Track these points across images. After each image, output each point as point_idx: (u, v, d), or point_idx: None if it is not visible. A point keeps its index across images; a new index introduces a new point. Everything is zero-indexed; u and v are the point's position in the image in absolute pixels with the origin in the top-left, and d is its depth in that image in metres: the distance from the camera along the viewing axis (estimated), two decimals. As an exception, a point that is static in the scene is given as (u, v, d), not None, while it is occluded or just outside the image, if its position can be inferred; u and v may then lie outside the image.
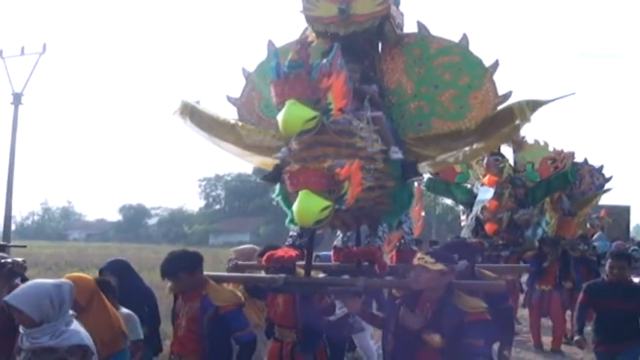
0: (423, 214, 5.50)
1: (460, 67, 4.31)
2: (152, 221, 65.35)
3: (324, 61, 3.47)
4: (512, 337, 4.48)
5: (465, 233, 8.77)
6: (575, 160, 9.90)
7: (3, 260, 3.60)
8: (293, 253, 3.81)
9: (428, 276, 3.24)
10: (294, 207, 3.35)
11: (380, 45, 4.53)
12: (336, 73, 3.46)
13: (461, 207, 9.80)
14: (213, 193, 64.18)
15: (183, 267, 3.70)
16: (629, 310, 4.80)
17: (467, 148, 4.20)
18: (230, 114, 4.73)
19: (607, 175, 11.11)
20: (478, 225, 8.75)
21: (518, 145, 8.75)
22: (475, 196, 8.69)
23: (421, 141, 4.17)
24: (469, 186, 9.09)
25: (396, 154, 3.89)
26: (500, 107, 4.06)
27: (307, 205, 3.31)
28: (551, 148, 8.95)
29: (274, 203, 4.24)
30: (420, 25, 4.44)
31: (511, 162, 8.94)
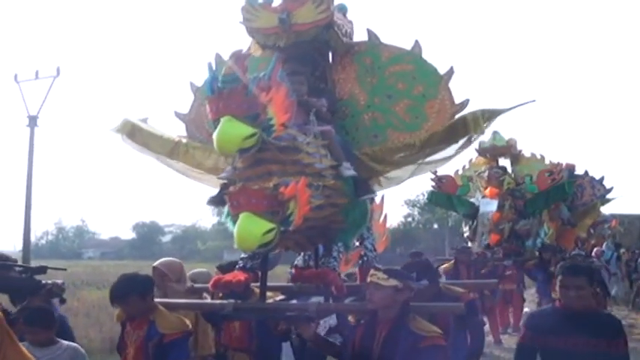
0: (387, 227, 5.26)
1: (414, 75, 4.15)
2: (166, 238, 65.41)
3: (262, 74, 3.28)
4: (481, 352, 4.28)
5: (479, 242, 9.00)
6: (576, 172, 10.36)
7: (43, 281, 3.72)
8: (242, 277, 3.58)
9: (381, 294, 3.06)
10: (235, 231, 3.13)
11: (330, 55, 4.35)
12: (275, 87, 3.28)
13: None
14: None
15: (135, 291, 3.47)
16: (590, 353, 3.18)
17: (420, 162, 4.01)
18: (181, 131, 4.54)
19: (608, 186, 11.36)
20: (480, 236, 9.05)
21: (516, 158, 9.06)
22: (477, 208, 8.95)
23: (374, 156, 3.99)
24: (470, 199, 9.31)
25: (348, 170, 3.69)
26: (455, 117, 3.90)
27: (248, 229, 3.10)
28: (547, 161, 9.22)
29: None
30: (371, 33, 4.28)
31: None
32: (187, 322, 3.55)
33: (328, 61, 4.34)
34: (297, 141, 3.46)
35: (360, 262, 4.56)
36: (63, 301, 3.98)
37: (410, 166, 4.06)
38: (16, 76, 16.15)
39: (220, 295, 3.87)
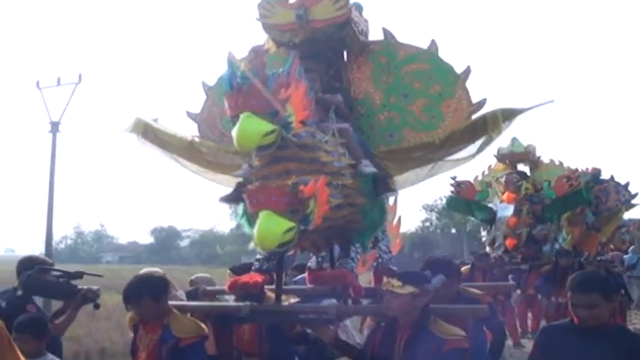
0: (401, 230, 5.20)
1: (430, 74, 4.10)
2: (184, 243, 65.44)
3: (281, 70, 3.21)
4: (501, 352, 4.20)
5: (494, 247, 9.09)
6: (601, 176, 10.36)
7: (79, 287, 3.81)
8: (259, 278, 3.51)
9: (399, 301, 2.97)
10: (255, 230, 3.05)
11: (345, 53, 4.30)
12: (294, 83, 3.21)
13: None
14: (245, 214, 64.51)
15: (148, 292, 3.38)
16: None
17: (438, 161, 3.95)
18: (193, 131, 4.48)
19: (633, 192, 11.33)
20: (498, 241, 9.14)
21: (535, 164, 9.15)
22: (495, 214, 9.06)
23: (392, 154, 3.92)
24: (489, 204, 9.38)
25: (368, 167, 3.63)
26: (473, 117, 3.84)
27: (268, 227, 3.02)
28: (566, 167, 9.35)
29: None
30: (386, 32, 4.23)
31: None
32: (203, 325, 3.46)
33: (343, 59, 4.29)
34: (315, 138, 3.38)
35: (375, 264, 4.48)
36: (97, 306, 4.01)
37: (427, 165, 3.98)
38: (38, 83, 16.05)
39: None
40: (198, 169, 4.23)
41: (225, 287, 3.59)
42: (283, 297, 4.09)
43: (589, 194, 9.13)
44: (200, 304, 3.79)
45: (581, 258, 8.93)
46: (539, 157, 9.18)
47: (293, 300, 4.13)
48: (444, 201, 9.03)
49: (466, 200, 9.42)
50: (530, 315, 9.64)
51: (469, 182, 9.41)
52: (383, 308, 3.17)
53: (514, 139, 9.22)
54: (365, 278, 4.63)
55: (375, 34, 4.32)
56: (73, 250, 65.10)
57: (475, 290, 4.05)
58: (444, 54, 4.13)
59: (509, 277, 8.78)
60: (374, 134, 4.15)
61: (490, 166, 9.55)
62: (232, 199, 3.74)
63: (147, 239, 68.00)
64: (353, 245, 3.71)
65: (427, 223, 48.24)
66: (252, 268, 3.69)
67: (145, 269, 4.28)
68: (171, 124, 4.44)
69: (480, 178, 9.63)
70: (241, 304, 3.47)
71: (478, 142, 3.83)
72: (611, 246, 11.14)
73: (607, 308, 2.93)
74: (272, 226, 3.03)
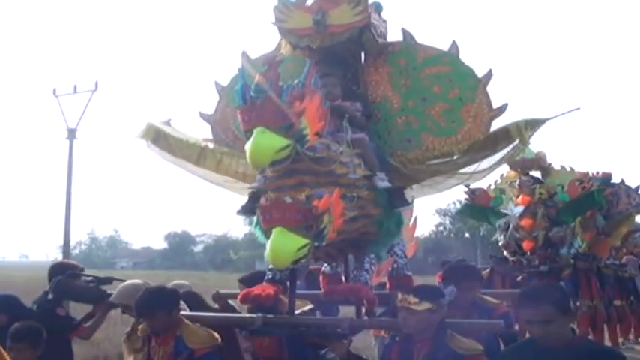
0: (416, 234, 5.11)
1: (450, 78, 3.96)
2: (197, 248, 66.16)
3: (296, 81, 3.12)
4: None
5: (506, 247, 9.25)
6: (612, 180, 10.36)
7: (108, 291, 3.94)
8: (271, 290, 3.47)
9: (415, 318, 2.93)
10: (268, 247, 3.01)
11: (363, 55, 4.18)
12: (309, 95, 3.13)
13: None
14: (258, 219, 64.96)
15: (161, 306, 3.38)
16: None
17: (460, 172, 3.84)
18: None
19: None
20: (515, 244, 9.23)
21: (546, 171, 9.25)
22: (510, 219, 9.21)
23: (411, 163, 3.83)
24: (503, 210, 9.48)
25: (383, 182, 3.54)
26: (494, 128, 3.72)
27: (282, 245, 2.98)
28: (577, 173, 9.38)
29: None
30: (406, 33, 4.09)
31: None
32: (217, 335, 3.45)
33: (360, 62, 4.17)
34: (330, 151, 3.31)
35: (390, 269, 4.42)
36: (124, 310, 4.09)
37: (451, 179, 3.88)
38: (55, 91, 16.50)
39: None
40: (211, 177, 4.16)
41: (238, 299, 3.55)
42: (298, 302, 4.08)
43: (600, 196, 9.12)
44: (213, 315, 3.78)
45: (600, 262, 9.12)
46: (549, 164, 9.27)
47: (307, 307, 4.11)
48: (458, 206, 9.32)
49: (481, 207, 9.60)
50: None
51: (483, 190, 9.54)
52: (399, 324, 3.13)
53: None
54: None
55: (394, 35, 4.20)
56: (87, 256, 66.22)
57: (491, 299, 3.98)
58: (465, 56, 4.00)
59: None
60: (391, 139, 4.04)
61: (502, 175, 9.69)
62: (248, 210, 3.69)
63: (161, 244, 69.18)
64: (367, 256, 3.64)
65: (441, 228, 48.41)
66: (265, 278, 3.65)
67: (175, 281, 4.27)
68: (186, 128, 4.37)
69: (492, 187, 9.77)
70: (254, 315, 3.45)
71: (500, 154, 3.71)
72: (624, 250, 11.09)
73: (565, 323, 2.63)
74: (286, 244, 2.98)
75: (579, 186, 8.85)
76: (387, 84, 4.09)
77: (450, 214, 43.22)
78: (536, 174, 9.69)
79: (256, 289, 3.50)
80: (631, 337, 10.36)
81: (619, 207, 10.32)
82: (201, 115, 4.40)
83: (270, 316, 3.45)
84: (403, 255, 4.46)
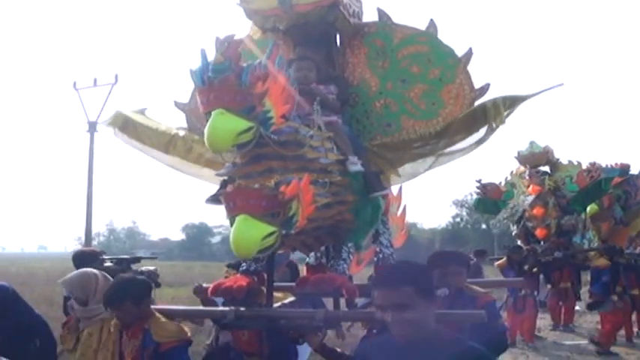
0: (406, 221, 4.93)
1: (429, 58, 3.81)
2: (215, 239, 66.35)
3: (258, 61, 2.97)
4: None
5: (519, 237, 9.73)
6: (631, 171, 10.59)
7: (139, 269, 4.04)
8: (244, 282, 3.32)
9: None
10: (231, 235, 2.85)
11: (338, 37, 4.02)
12: (273, 75, 2.97)
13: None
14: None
15: (129, 296, 3.24)
16: None
17: (439, 153, 3.66)
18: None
19: None
20: (528, 233, 9.75)
21: (554, 165, 9.59)
22: (523, 211, 9.61)
23: (387, 147, 3.66)
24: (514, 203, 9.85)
25: (354, 165, 3.37)
26: (474, 105, 3.54)
27: (246, 233, 2.81)
28: (584, 166, 9.75)
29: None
30: (381, 13, 3.93)
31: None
32: (186, 329, 3.30)
33: (336, 44, 4.01)
34: (299, 134, 3.15)
35: (376, 259, 4.25)
36: (158, 285, 4.14)
37: (428, 158, 3.71)
38: (75, 84, 17.12)
39: None
40: (180, 164, 4.00)
41: (209, 292, 3.40)
42: (281, 295, 3.93)
43: (608, 185, 9.33)
44: (184, 308, 3.65)
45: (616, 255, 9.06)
46: (557, 159, 9.56)
47: (288, 300, 3.95)
48: (473, 204, 10.04)
49: (493, 201, 9.95)
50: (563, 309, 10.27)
51: (494, 184, 9.91)
52: (374, 314, 2.97)
53: (532, 142, 9.61)
54: (365, 273, 4.41)
55: (370, 16, 4.04)
56: (106, 247, 67.04)
57: (478, 288, 3.80)
58: (443, 36, 3.84)
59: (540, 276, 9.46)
60: (370, 123, 3.89)
61: (512, 172, 9.97)
62: (218, 199, 3.54)
63: (178, 236, 69.46)
64: (345, 245, 3.48)
65: (458, 219, 48.32)
66: (240, 269, 3.50)
67: (143, 268, 4.15)
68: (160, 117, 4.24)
69: (503, 183, 10.09)
70: (226, 309, 3.30)
71: (479, 133, 3.53)
72: None
73: (424, 310, 2.11)
74: (250, 232, 2.82)
75: (587, 176, 9.14)
76: (364, 66, 3.95)
77: (466, 205, 43.09)
78: (545, 169, 10.00)
79: (228, 281, 3.35)
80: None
81: (637, 197, 10.46)
82: (176, 104, 4.26)
83: (243, 309, 3.29)
84: (389, 245, 4.29)
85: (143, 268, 4.10)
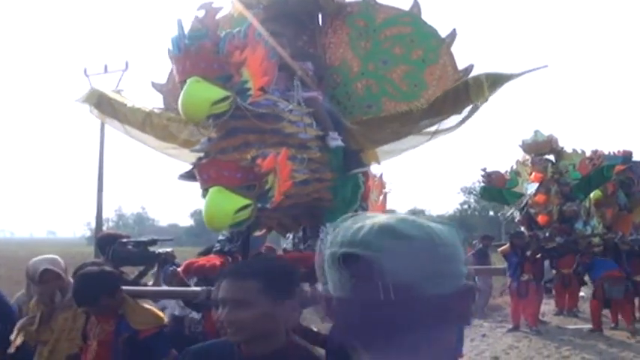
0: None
1: (412, 38, 3.74)
2: None
3: (236, 30, 2.88)
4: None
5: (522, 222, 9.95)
6: (633, 158, 10.81)
7: (157, 251, 4.17)
8: (217, 261, 3.22)
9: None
10: (203, 207, 2.75)
11: (320, 17, 3.94)
12: (252, 45, 2.88)
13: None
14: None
15: (104, 290, 3.09)
16: None
17: (421, 132, 3.58)
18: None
19: None
20: (530, 220, 9.91)
21: (558, 154, 9.76)
22: (527, 198, 9.79)
23: (368, 125, 3.58)
24: (518, 191, 10.08)
25: (335, 140, 3.30)
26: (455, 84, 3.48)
27: (219, 205, 2.72)
28: (588, 154, 9.97)
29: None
30: (365, -8, 3.86)
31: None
32: (162, 315, 3.19)
33: (318, 23, 3.94)
34: (278, 108, 3.06)
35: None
36: (176, 266, 4.12)
37: (408, 137, 3.63)
38: (85, 70, 17.21)
39: None
40: (157, 144, 3.89)
41: (181, 271, 3.29)
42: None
43: (610, 172, 9.49)
44: (155, 288, 3.53)
45: (617, 241, 9.43)
46: (562, 148, 9.71)
47: None
48: (478, 192, 10.64)
49: (498, 189, 10.12)
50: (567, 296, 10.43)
51: (499, 172, 10.04)
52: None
53: (536, 131, 9.75)
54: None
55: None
56: None
57: None
58: (428, 16, 3.78)
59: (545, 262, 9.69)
60: (351, 104, 3.81)
61: (518, 161, 10.15)
62: (192, 175, 3.43)
63: (187, 222, 68.95)
64: (323, 225, 3.39)
65: (465, 206, 48.76)
66: (213, 249, 3.40)
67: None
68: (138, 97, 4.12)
69: (508, 171, 10.28)
70: (198, 288, 3.19)
71: (463, 112, 3.47)
72: None
73: (269, 312, 1.70)
74: (223, 204, 2.72)
75: (590, 163, 9.30)
76: (346, 46, 3.87)
77: (474, 192, 43.44)
78: (550, 157, 10.15)
79: (201, 260, 3.25)
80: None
81: None
82: (154, 85, 4.15)
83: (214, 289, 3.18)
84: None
85: (160, 250, 4.20)
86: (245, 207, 2.77)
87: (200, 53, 2.73)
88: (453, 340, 0.93)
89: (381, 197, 4.79)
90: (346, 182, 3.40)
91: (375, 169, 4.84)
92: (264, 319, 1.70)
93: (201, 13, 2.82)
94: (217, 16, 2.87)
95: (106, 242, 4.33)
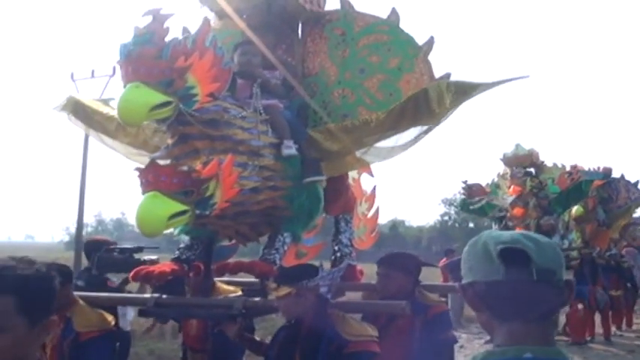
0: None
1: (389, 47, 3.64)
2: None
3: (183, 36, 2.88)
4: None
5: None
6: (613, 175, 10.98)
7: (142, 259, 4.09)
8: (168, 268, 3.20)
9: (282, 304, 2.71)
10: (136, 212, 2.74)
11: (300, 26, 3.90)
12: (200, 52, 2.87)
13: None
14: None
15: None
16: None
17: (382, 142, 3.44)
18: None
19: None
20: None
21: (539, 168, 9.69)
22: (506, 211, 9.64)
23: (329, 134, 3.48)
24: (498, 203, 9.89)
25: (288, 149, 3.22)
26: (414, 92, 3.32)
27: (152, 211, 2.69)
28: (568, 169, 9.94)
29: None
30: (343, 1, 3.79)
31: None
32: (110, 319, 3.16)
33: (297, 33, 3.90)
34: (228, 114, 3.02)
35: (333, 257, 4.07)
36: None
37: (369, 147, 3.47)
38: (72, 75, 16.55)
39: None
40: (129, 151, 3.92)
41: (130, 277, 3.30)
42: (232, 289, 3.78)
43: (588, 187, 9.50)
44: (106, 295, 3.55)
45: (595, 255, 9.75)
46: (542, 162, 9.65)
47: (235, 294, 3.82)
48: (458, 204, 10.48)
49: (478, 201, 9.99)
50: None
51: (479, 185, 10.07)
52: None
53: (517, 145, 9.70)
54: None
55: (333, 4, 3.91)
56: None
57: (432, 296, 3.54)
58: (406, 25, 3.66)
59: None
60: (327, 113, 3.73)
61: (499, 174, 10.09)
62: None
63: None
64: (280, 234, 3.32)
65: (446, 217, 47.99)
66: (172, 257, 3.39)
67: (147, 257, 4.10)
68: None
69: (489, 183, 10.24)
70: (147, 295, 3.19)
71: (424, 126, 3.29)
72: (624, 242, 11.57)
73: (26, 337, 1.40)
74: (156, 210, 2.70)
75: (568, 177, 9.33)
76: (324, 55, 3.81)
77: (455, 203, 42.66)
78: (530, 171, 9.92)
79: (151, 267, 3.24)
80: (623, 326, 10.96)
81: (619, 201, 10.87)
82: None
83: (165, 296, 3.17)
84: (349, 244, 4.11)
85: (146, 257, 4.11)
86: (182, 213, 2.74)
87: (141, 58, 2.74)
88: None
89: (373, 211, 4.66)
90: (302, 191, 3.31)
91: (366, 181, 4.73)
92: (18, 344, 1.36)
93: (148, 19, 2.83)
94: (166, 24, 2.87)
95: (92, 248, 4.42)
